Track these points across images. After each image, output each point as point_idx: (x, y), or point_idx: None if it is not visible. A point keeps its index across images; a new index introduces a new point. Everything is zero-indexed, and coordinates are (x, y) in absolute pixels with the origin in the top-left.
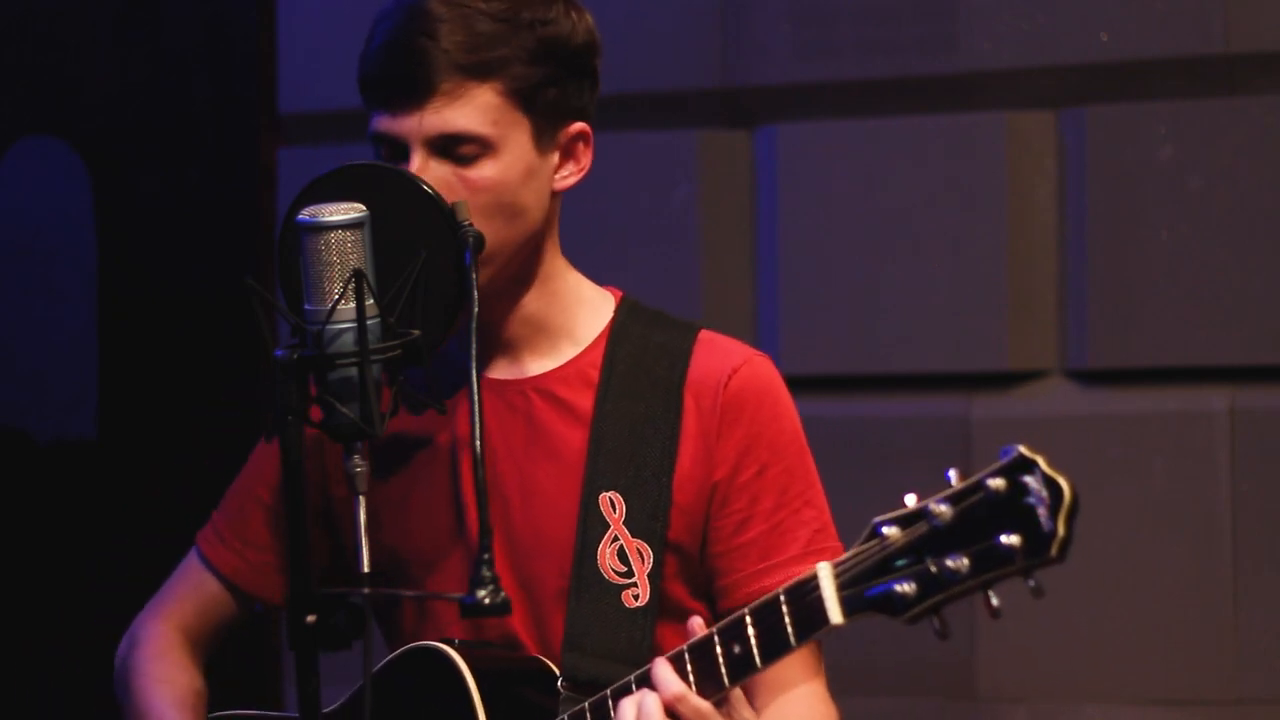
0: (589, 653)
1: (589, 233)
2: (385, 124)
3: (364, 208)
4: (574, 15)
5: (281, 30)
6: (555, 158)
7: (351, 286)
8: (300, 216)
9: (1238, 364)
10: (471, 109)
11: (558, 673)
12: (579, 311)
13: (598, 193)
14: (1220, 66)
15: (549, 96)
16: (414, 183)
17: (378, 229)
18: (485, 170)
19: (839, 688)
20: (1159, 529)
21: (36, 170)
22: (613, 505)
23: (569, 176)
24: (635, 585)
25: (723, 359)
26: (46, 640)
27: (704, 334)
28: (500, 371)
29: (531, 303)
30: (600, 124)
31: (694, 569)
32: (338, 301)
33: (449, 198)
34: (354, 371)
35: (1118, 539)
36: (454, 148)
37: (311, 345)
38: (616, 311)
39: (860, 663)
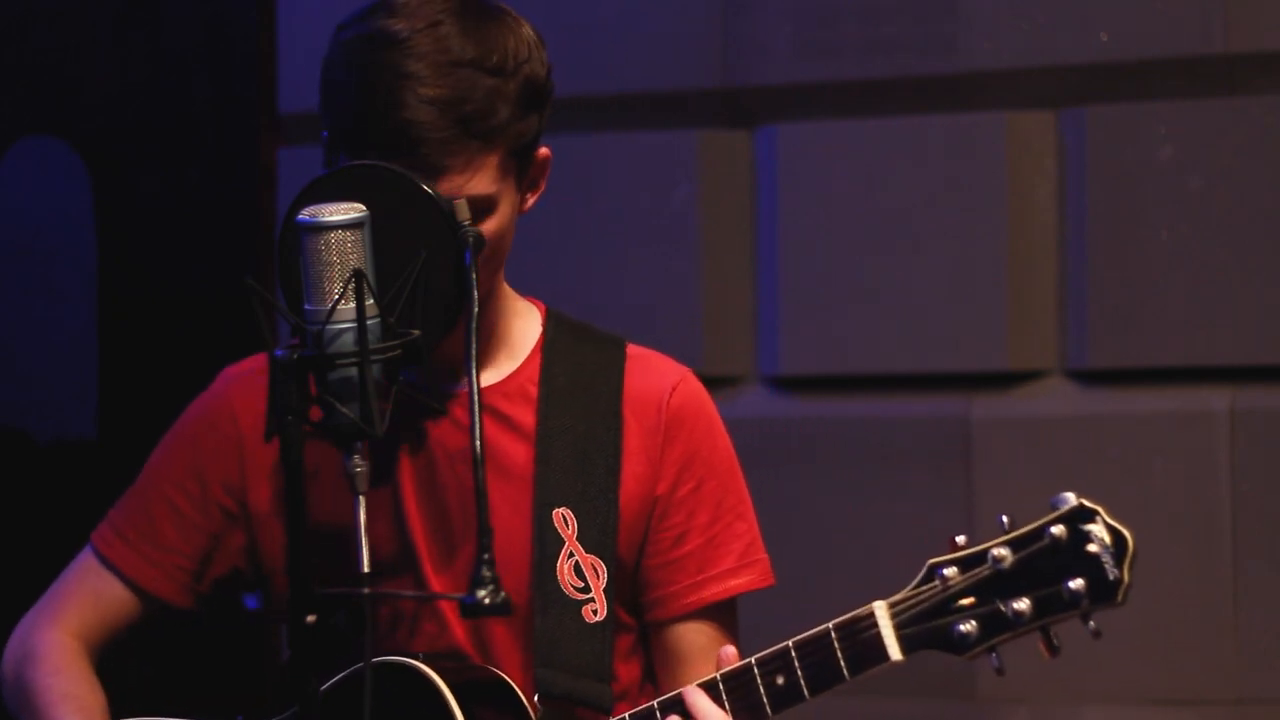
0: (559, 668)
1: (589, 233)
2: None
3: (364, 208)
4: (527, 35)
5: (281, 30)
6: (521, 192)
7: (351, 286)
8: (300, 216)
9: (1238, 364)
10: (481, 176)
11: (517, 688)
12: (514, 323)
13: (598, 193)
14: (1220, 66)
15: (535, 142)
16: (414, 183)
17: (378, 229)
18: (487, 226)
19: (839, 687)
20: (1159, 529)
21: (36, 170)
22: (565, 521)
23: (530, 199)
24: (593, 600)
25: (659, 376)
26: None
27: (632, 349)
28: (444, 385)
29: (479, 318)
30: (600, 124)
31: (627, 582)
32: (338, 301)
33: None
34: (354, 371)
35: None
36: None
37: (311, 345)
38: (545, 324)
39: None
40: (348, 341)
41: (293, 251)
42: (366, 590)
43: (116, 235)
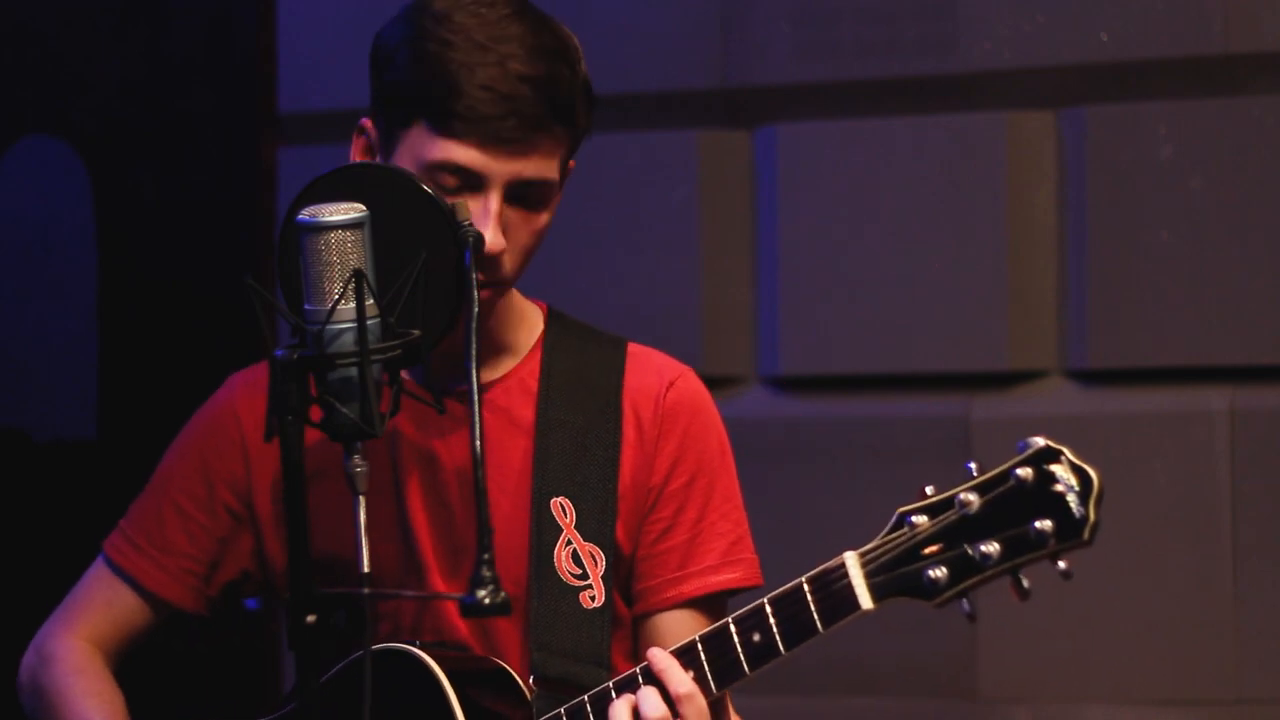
0: (555, 651)
1: (589, 233)
2: (471, 158)
3: (364, 208)
4: (577, 42)
5: (281, 30)
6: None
7: (351, 286)
8: (300, 216)
9: (1238, 364)
10: (555, 159)
11: (515, 675)
12: (518, 324)
13: (598, 193)
14: (1220, 66)
15: (584, 138)
16: (414, 183)
17: (378, 229)
18: (544, 215)
19: (840, 688)
20: (1159, 529)
21: (36, 170)
22: (564, 510)
23: None
24: (591, 587)
25: (657, 373)
26: None
27: (633, 347)
28: (444, 384)
29: (485, 318)
30: (600, 124)
31: (626, 572)
32: (338, 301)
33: (510, 238)
34: (354, 371)
35: (1118, 539)
36: (529, 192)
37: (311, 345)
38: (546, 323)
39: (861, 663)
40: (348, 341)
41: (293, 251)
42: (366, 590)
43: (116, 235)
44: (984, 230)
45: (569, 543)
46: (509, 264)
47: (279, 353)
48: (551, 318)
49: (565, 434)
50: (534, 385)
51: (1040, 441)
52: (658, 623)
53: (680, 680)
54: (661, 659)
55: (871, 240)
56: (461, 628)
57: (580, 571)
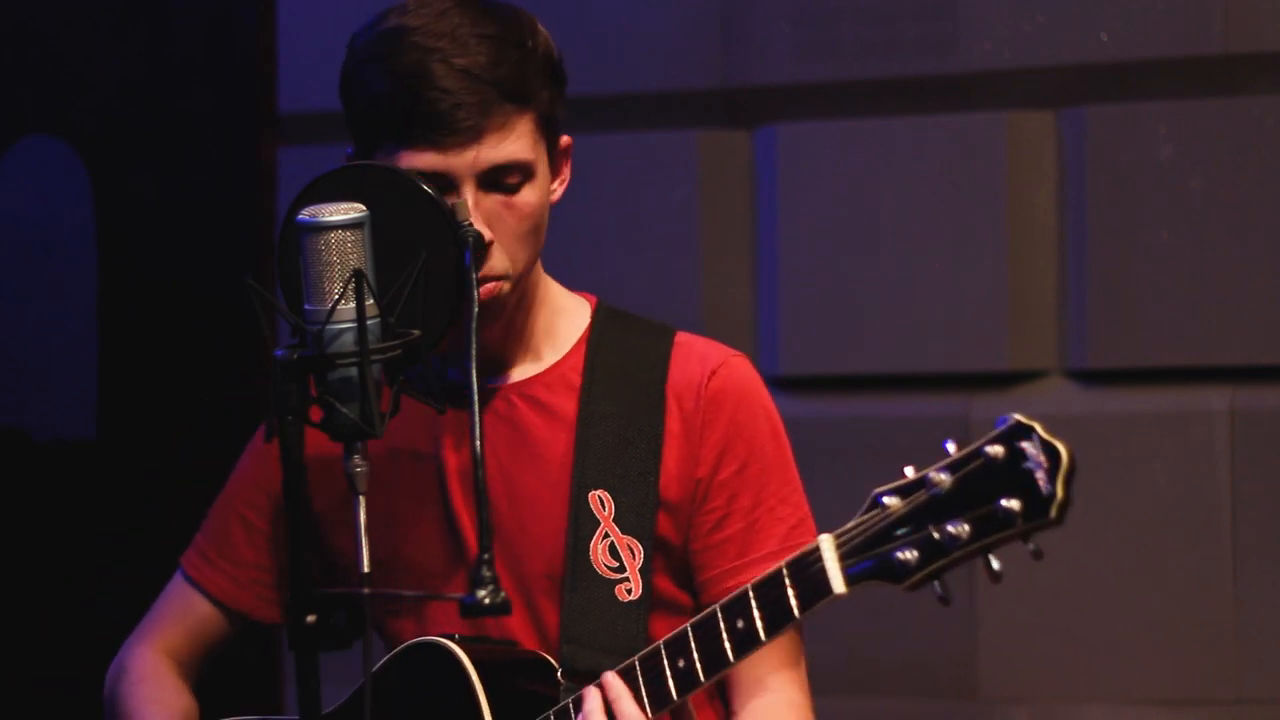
0: (585, 644)
1: (589, 233)
2: (432, 161)
3: (364, 208)
4: (535, 20)
5: (281, 30)
6: (551, 173)
7: (351, 286)
8: (300, 216)
9: (1238, 364)
10: (518, 138)
11: (555, 665)
12: (558, 319)
13: (598, 193)
14: (1220, 66)
15: (558, 116)
16: (414, 183)
17: (378, 229)
18: (528, 196)
19: (840, 688)
20: (1159, 529)
21: (36, 170)
22: (602, 503)
23: (558, 189)
24: (628, 580)
25: (701, 361)
26: (44, 640)
27: (680, 336)
28: (483, 379)
29: (519, 313)
30: (600, 124)
31: (679, 563)
32: (338, 301)
33: (497, 228)
34: (354, 371)
35: (1118, 539)
36: (502, 178)
37: (311, 345)
38: (593, 317)
39: (861, 663)
40: (348, 341)
41: (293, 251)
42: (366, 590)
43: (116, 235)
44: (984, 230)
45: (606, 535)
46: (501, 254)
47: (279, 353)
48: (599, 310)
49: (607, 427)
50: (577, 380)
51: (1015, 417)
52: None
53: (629, 715)
54: (615, 688)
55: (871, 240)
56: (509, 621)
57: (617, 564)
